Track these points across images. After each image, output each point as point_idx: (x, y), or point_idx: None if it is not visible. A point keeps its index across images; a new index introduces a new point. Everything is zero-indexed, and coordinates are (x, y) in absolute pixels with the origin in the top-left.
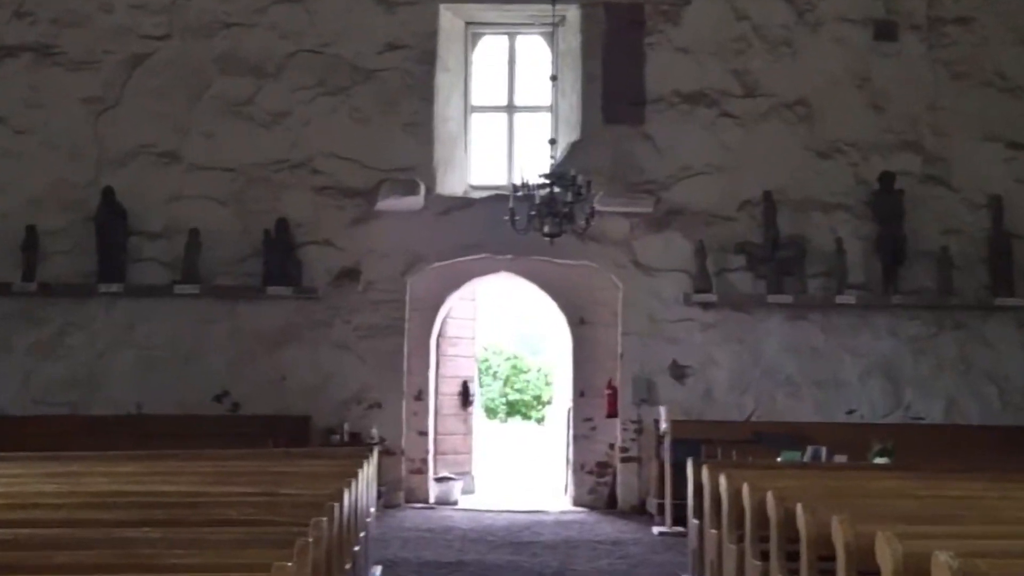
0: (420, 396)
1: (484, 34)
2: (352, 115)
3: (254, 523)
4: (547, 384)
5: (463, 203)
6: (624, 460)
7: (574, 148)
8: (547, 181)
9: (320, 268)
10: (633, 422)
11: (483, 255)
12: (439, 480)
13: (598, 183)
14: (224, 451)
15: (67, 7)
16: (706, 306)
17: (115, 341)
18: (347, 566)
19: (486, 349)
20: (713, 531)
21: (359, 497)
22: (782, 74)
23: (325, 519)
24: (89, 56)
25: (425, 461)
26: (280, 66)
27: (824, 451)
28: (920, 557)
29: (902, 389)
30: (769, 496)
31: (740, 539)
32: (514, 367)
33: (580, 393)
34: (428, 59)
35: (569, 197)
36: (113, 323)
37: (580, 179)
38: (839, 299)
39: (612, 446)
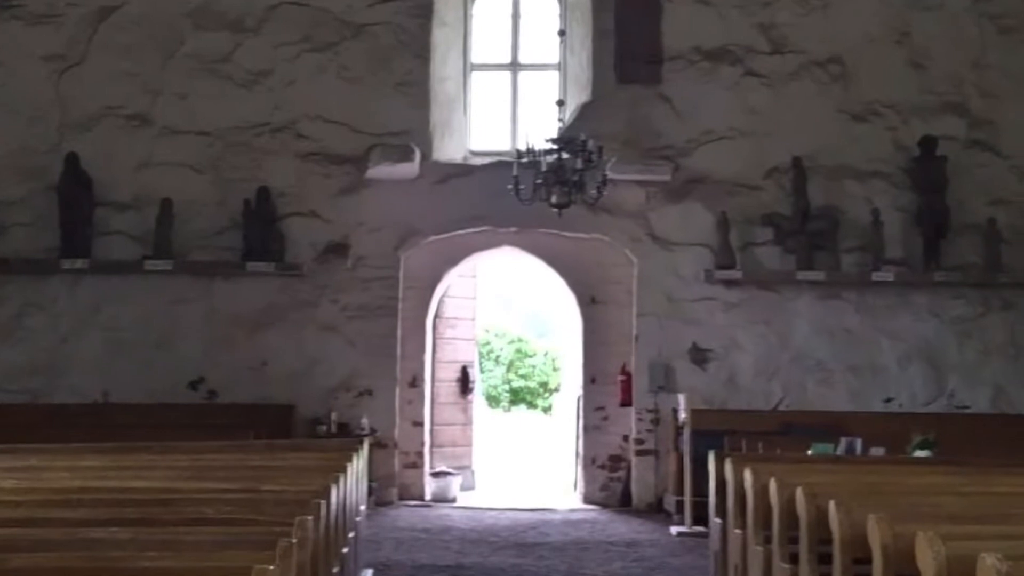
0: (415, 383)
1: None
2: (340, 74)
3: (233, 522)
4: (554, 370)
5: (462, 171)
6: (639, 453)
7: (584, 110)
8: (555, 146)
9: (305, 242)
10: (649, 411)
11: (484, 228)
12: (436, 475)
13: (611, 149)
14: (200, 443)
15: None
16: (729, 284)
17: (79, 323)
18: (335, 570)
19: (487, 331)
20: (737, 531)
21: (348, 494)
22: (813, 29)
23: (311, 518)
24: (51, 9)
25: (420, 454)
26: (261, 20)
27: (859, 443)
28: (965, 560)
29: (945, 375)
30: (799, 493)
31: (767, 540)
32: (518, 351)
33: (591, 379)
34: (424, 12)
35: (579, 164)
36: (77, 303)
37: (591, 144)
38: (876, 276)
39: (626, 438)
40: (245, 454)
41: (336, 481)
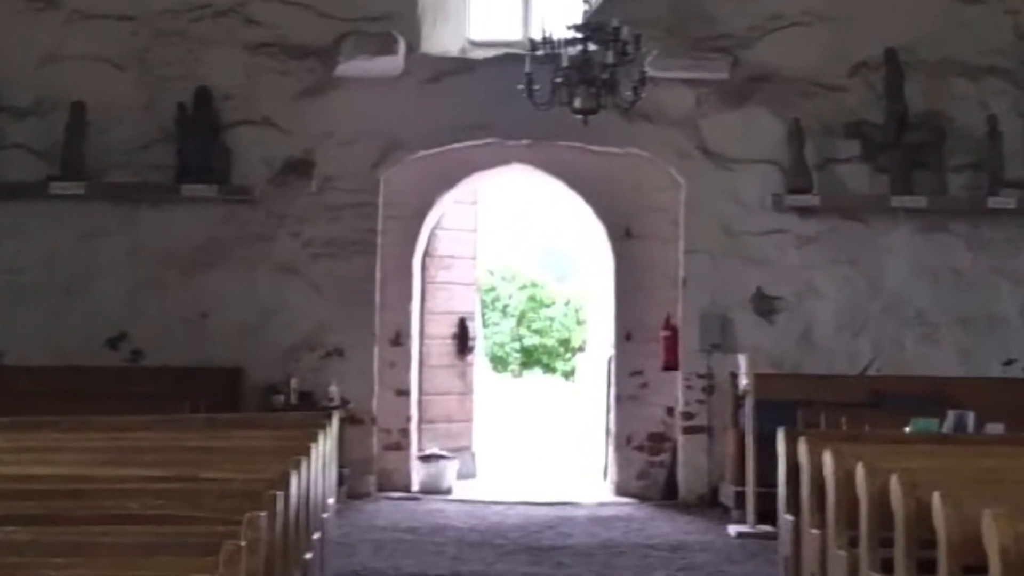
0: (399, 340)
1: None
2: None
3: (164, 520)
4: (578, 323)
5: (460, 66)
6: (688, 431)
7: None
8: (579, 35)
9: (257, 159)
10: (701, 376)
11: (488, 140)
12: (426, 459)
13: (651, 38)
14: (121, 418)
15: None
16: (804, 212)
17: None
18: None
19: (492, 274)
20: (814, 531)
21: (312, 483)
22: None
23: (264, 515)
24: None
25: (406, 432)
26: None
27: (971, 418)
28: None
29: None
30: (894, 482)
31: (852, 543)
32: (532, 299)
33: (625, 336)
34: None
35: (610, 58)
36: None
37: (625, 32)
38: (992, 202)
39: (671, 411)
40: (180, 432)
41: (297, 467)
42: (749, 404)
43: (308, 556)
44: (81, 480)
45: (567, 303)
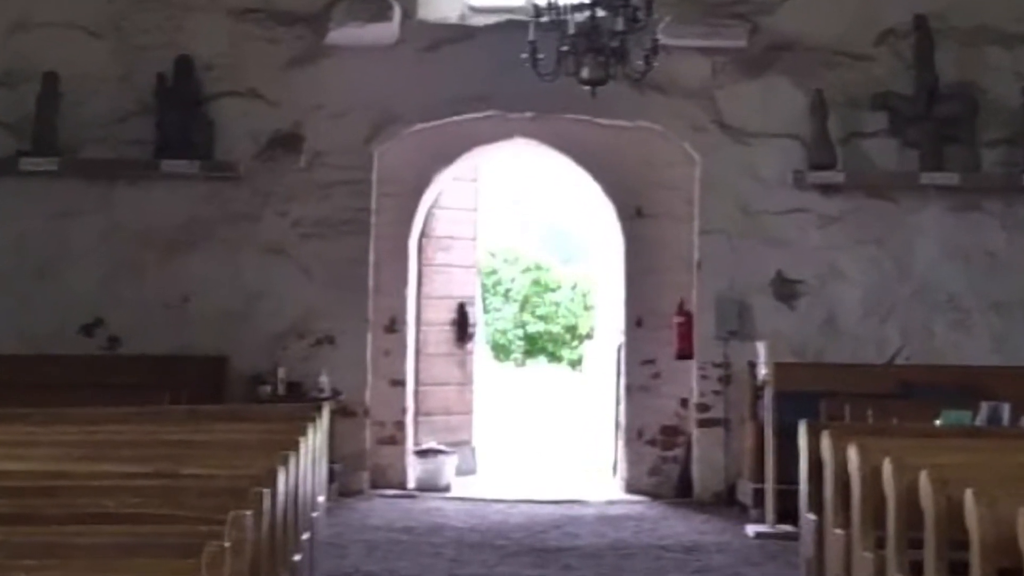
0: (394, 327)
1: None
2: None
3: (143, 519)
4: (585, 309)
5: (459, 34)
6: (703, 424)
7: None
8: (586, 0)
9: (241, 132)
10: (717, 366)
11: (489, 113)
12: (423, 454)
13: (663, 3)
14: (97, 410)
15: None
16: (828, 189)
17: None
18: None
19: (493, 256)
20: (838, 531)
21: (301, 480)
22: None
23: (249, 513)
24: None
25: (401, 425)
26: None
27: (1007, 410)
28: None
29: None
30: (923, 478)
31: (879, 544)
32: (536, 283)
33: (636, 322)
34: None
35: (620, 25)
36: None
37: None
38: None
39: (685, 403)
40: (159, 425)
41: (285, 463)
42: (769, 395)
43: (296, 558)
44: (54, 476)
45: (574, 287)
